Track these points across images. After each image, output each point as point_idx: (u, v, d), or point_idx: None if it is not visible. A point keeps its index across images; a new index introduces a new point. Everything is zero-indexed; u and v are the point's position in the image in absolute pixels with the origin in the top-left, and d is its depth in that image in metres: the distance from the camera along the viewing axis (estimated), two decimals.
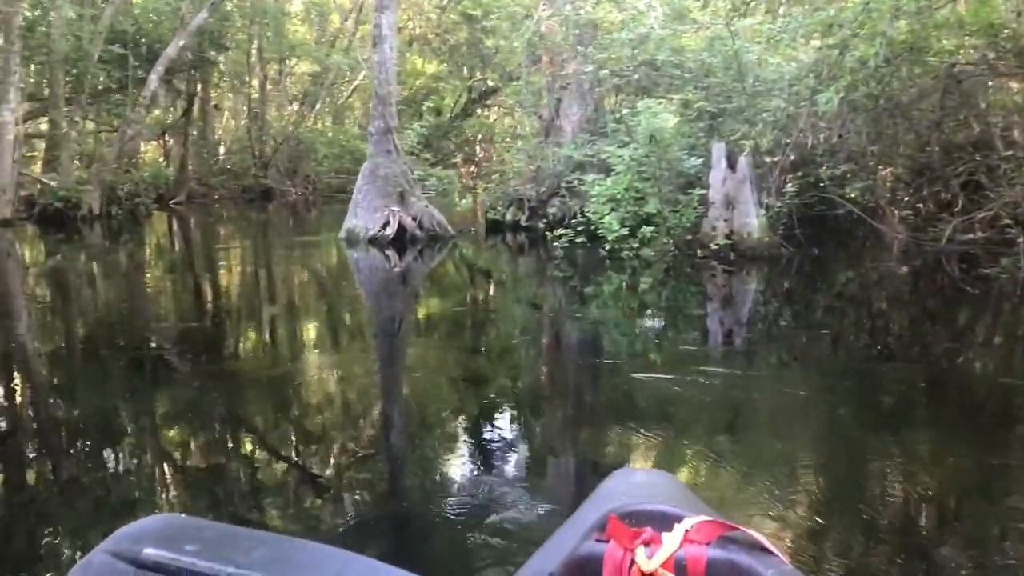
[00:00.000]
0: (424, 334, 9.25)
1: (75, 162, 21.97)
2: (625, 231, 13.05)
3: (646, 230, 12.98)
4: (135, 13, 22.94)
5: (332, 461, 5.02)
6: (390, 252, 14.71)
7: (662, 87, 15.79)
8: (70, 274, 14.63)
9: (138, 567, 1.29)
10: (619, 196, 13.39)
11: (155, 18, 23.78)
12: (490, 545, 3.69)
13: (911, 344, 8.38)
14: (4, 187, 18.95)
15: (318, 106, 33.83)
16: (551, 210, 17.01)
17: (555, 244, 13.67)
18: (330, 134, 33.09)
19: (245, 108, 32.16)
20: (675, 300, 10.98)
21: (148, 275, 14.31)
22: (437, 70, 35.87)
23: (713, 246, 12.50)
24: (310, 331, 9.49)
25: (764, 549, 1.50)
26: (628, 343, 8.42)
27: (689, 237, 12.95)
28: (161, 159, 29.61)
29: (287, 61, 34.10)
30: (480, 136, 35.93)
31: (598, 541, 1.53)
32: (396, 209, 15.16)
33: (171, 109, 29.79)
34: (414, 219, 15.35)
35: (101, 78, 21.44)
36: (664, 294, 11.38)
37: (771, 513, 3.97)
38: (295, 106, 33.82)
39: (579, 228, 13.89)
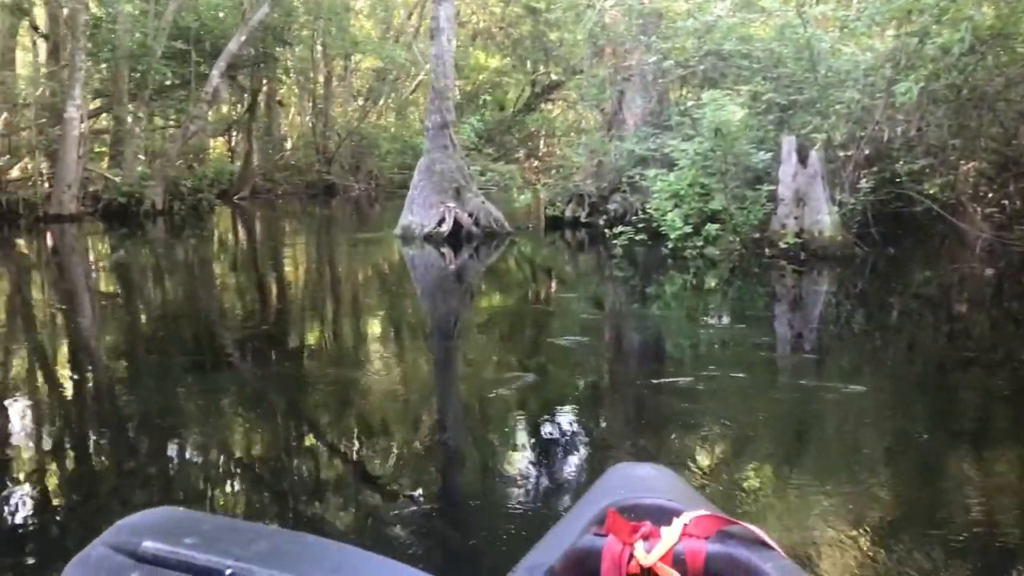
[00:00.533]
0: (480, 334, 8.87)
1: (139, 158, 22.07)
2: (689, 229, 12.46)
3: (711, 228, 12.37)
4: (198, 9, 22.96)
5: (394, 459, 4.99)
6: (445, 249, 14.35)
7: (729, 78, 15.13)
8: (132, 269, 14.65)
9: (137, 560, 1.28)
10: (683, 192, 12.80)
11: (218, 14, 23.80)
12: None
13: (994, 350, 7.70)
14: (69, 182, 19.11)
15: (381, 102, 33.72)
16: (612, 206, 16.47)
17: (614, 242, 13.11)
18: (393, 130, 32.92)
19: (310, 104, 32.18)
20: (741, 301, 10.39)
21: (206, 271, 14.25)
22: (500, 64, 35.49)
23: (782, 245, 11.85)
24: (364, 330, 9.18)
25: (763, 543, 1.48)
26: (691, 347, 7.90)
27: (757, 235, 12.32)
28: (227, 155, 29.73)
29: (351, 57, 34.09)
30: (543, 131, 35.45)
31: (597, 535, 1.53)
32: (452, 205, 14.79)
33: (237, 105, 29.96)
34: (470, 215, 14.96)
35: (165, 74, 21.48)
36: (730, 295, 10.79)
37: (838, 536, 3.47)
38: (359, 102, 33.77)
39: (640, 225, 13.34)
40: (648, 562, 1.47)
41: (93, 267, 14.72)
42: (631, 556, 1.48)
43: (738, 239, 12.36)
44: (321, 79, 31.42)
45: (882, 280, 11.43)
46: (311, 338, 8.81)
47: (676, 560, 1.47)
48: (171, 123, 24.65)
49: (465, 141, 15.48)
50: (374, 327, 9.40)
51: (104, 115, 22.88)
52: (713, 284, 11.28)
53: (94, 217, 19.92)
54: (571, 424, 5.53)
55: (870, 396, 5.95)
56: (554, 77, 35.31)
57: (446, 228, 14.66)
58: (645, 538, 1.50)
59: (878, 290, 10.96)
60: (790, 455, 4.91)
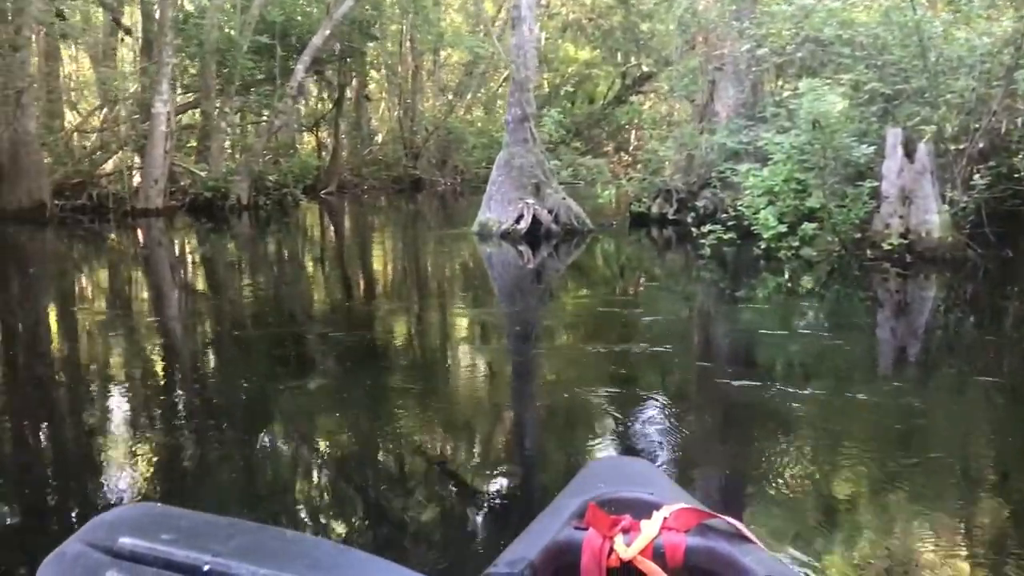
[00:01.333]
0: (560, 338, 8.29)
1: (225, 153, 22.14)
2: (783, 228, 11.55)
3: (807, 227, 11.44)
4: (285, 3, 22.87)
5: (480, 462, 4.94)
6: (523, 247, 13.75)
7: (829, 66, 14.06)
8: (217, 263, 14.60)
9: (114, 556, 1.25)
10: (777, 188, 11.88)
11: (304, 8, 23.69)
12: None
13: None
14: (156, 177, 19.21)
15: (469, 96, 33.33)
16: (701, 203, 15.60)
17: (703, 241, 12.24)
18: (479, 124, 32.49)
19: (397, 99, 31.98)
20: (840, 308, 9.52)
21: (287, 266, 14.04)
22: (590, 56, 34.70)
23: (886, 246, 10.86)
24: (441, 335, 8.66)
25: (743, 537, 1.47)
26: (786, 357, 7.14)
27: (858, 235, 11.34)
28: (315, 151, 29.74)
29: (440, 51, 33.80)
30: (633, 124, 34.52)
31: (577, 529, 1.52)
32: (531, 202, 14.18)
33: (325, 101, 29.96)
34: (550, 212, 14.31)
35: (251, 69, 21.44)
36: (827, 300, 9.92)
37: None
38: (448, 96, 33.46)
39: (731, 223, 12.48)
40: (628, 555, 1.45)
41: (178, 261, 14.71)
42: (611, 549, 1.47)
43: (837, 239, 11.42)
44: (409, 73, 31.16)
45: (997, 285, 10.37)
46: (387, 338, 8.40)
47: (656, 553, 1.45)
48: (263, 119, 24.63)
49: (548, 135, 14.81)
50: (452, 331, 8.85)
51: (194, 111, 22.97)
52: (809, 288, 10.41)
53: (180, 212, 20.01)
54: (656, 443, 4.94)
55: (982, 414, 5.16)
56: (645, 69, 34.34)
57: (524, 225, 14.04)
58: (625, 531, 1.48)
59: (993, 296, 9.92)
60: (911, 488, 4.16)
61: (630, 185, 16.99)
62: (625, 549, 1.48)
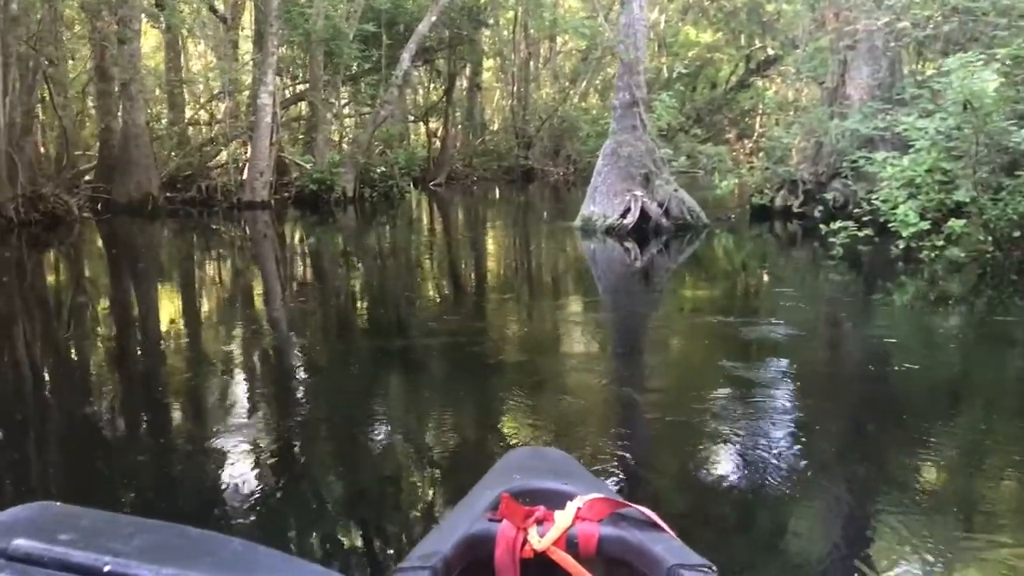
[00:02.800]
0: (667, 354, 7.22)
1: (331, 144, 21.71)
2: (926, 224, 10.01)
3: (955, 224, 9.86)
4: None
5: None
6: (630, 244, 12.59)
7: (980, 40, 12.32)
8: (319, 257, 14.24)
9: (7, 559, 1.18)
10: (919, 179, 10.33)
11: None
12: None
13: None
14: (261, 169, 18.89)
15: (584, 84, 32.14)
16: (830, 195, 14.09)
17: (832, 239, 10.75)
18: (594, 112, 31.26)
19: (511, 88, 31.10)
20: (994, 319, 8.03)
21: (383, 262, 13.34)
22: (712, 39, 32.95)
23: None
24: (540, 342, 7.66)
25: (655, 525, 1.50)
26: (931, 386, 5.84)
27: (1016, 233, 9.71)
28: (427, 141, 29.15)
29: (557, 38, 32.76)
30: (758, 110, 32.61)
31: (491, 520, 1.51)
32: (639, 194, 12.96)
33: (436, 90, 29.35)
34: (660, 205, 13.06)
35: (356, 58, 20.88)
36: (979, 311, 8.44)
37: None
38: (563, 82, 32.36)
39: (865, 219, 10.97)
40: (541, 546, 1.45)
41: (280, 255, 14.27)
42: (525, 541, 1.46)
43: (990, 238, 9.84)
44: (522, 61, 30.22)
45: None
46: (468, 348, 7.46)
47: (570, 543, 1.45)
48: (367, 110, 24.14)
49: (661, 121, 13.56)
50: (553, 336, 7.86)
51: (302, 102, 22.64)
52: (957, 295, 8.93)
53: (285, 204, 19.68)
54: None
55: None
56: (770, 52, 32.46)
57: (631, 220, 12.84)
58: (539, 522, 1.47)
59: None
60: None
61: (751, 175, 15.52)
62: (539, 540, 1.46)
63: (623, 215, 12.94)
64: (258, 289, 11.07)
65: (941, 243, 9.91)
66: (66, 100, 19.52)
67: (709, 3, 31.42)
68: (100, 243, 15.75)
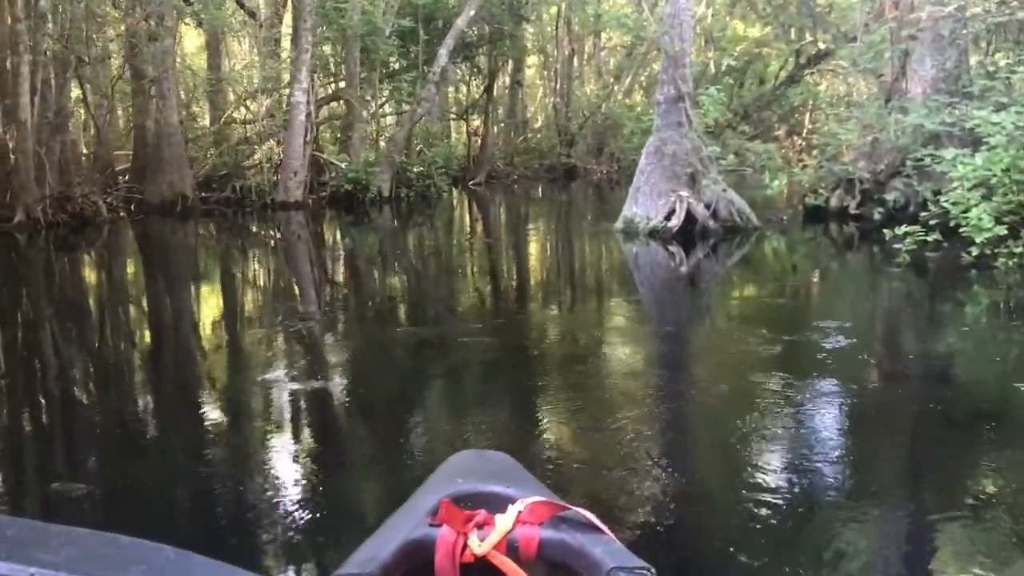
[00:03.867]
0: (720, 366, 6.41)
1: (368, 142, 21.02)
2: (1002, 229, 8.98)
3: None
4: None
5: None
6: (674, 247, 11.69)
7: None
8: (353, 261, 13.64)
9: None
10: (995, 179, 9.29)
11: None
12: None
13: None
14: (295, 169, 18.27)
15: (629, 80, 31.15)
16: (891, 195, 13.03)
17: (898, 245, 9.72)
18: (638, 108, 30.26)
19: (554, 84, 30.21)
20: None
21: (418, 265, 12.62)
22: (761, 34, 31.73)
23: None
24: (579, 355, 6.85)
25: (595, 528, 1.48)
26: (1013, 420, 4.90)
27: None
28: (467, 139, 28.37)
29: (601, 34, 31.83)
30: (808, 106, 31.36)
31: (432, 525, 1.49)
32: (684, 195, 12.04)
33: (477, 87, 28.59)
34: (707, 207, 12.12)
35: (392, 54, 20.20)
36: None
37: None
38: (606, 78, 31.40)
39: (932, 222, 9.94)
40: (481, 551, 1.43)
41: (314, 257, 13.71)
42: (465, 545, 1.44)
43: None
44: (565, 57, 29.32)
45: None
46: (522, 355, 6.90)
47: (510, 547, 1.44)
48: (404, 108, 23.44)
49: (708, 117, 12.62)
50: (592, 351, 7.03)
51: (338, 101, 21.98)
52: None
53: (321, 204, 19.06)
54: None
55: None
56: (822, 46, 31.16)
57: (676, 222, 11.91)
58: (479, 527, 1.45)
59: None
60: None
61: (803, 174, 14.48)
62: (479, 544, 1.43)
63: (667, 217, 12.03)
64: (283, 298, 10.39)
65: (1020, 250, 8.88)
66: (103, 99, 19.15)
67: None
68: (126, 246, 15.24)
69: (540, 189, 26.05)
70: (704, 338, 7.64)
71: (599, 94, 30.12)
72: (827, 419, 5.01)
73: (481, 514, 1.50)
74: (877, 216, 12.62)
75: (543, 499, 1.52)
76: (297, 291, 10.66)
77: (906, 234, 9.51)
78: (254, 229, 17.19)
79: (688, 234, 11.99)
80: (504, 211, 21.48)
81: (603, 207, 21.32)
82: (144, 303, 10.32)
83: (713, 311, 8.83)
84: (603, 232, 14.03)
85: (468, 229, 17.99)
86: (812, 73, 31.26)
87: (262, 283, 11.61)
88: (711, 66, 30.56)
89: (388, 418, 5.28)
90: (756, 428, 4.79)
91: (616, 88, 30.50)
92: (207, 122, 22.57)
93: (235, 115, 21.60)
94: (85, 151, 20.34)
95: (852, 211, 13.50)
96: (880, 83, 14.60)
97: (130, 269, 13.06)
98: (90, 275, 12.37)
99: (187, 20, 17.32)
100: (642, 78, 32.30)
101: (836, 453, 4.51)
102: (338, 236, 16.73)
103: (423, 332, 7.88)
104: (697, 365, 6.68)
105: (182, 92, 25.23)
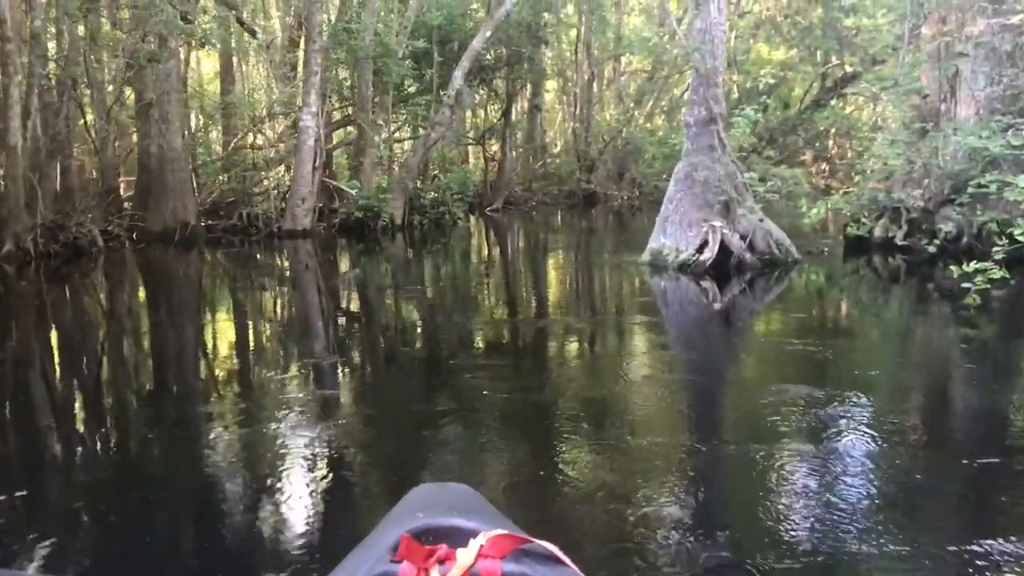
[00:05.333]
0: (756, 429, 5.13)
1: (380, 168, 19.97)
2: None
3: None
4: (447, 4, 20.47)
5: None
6: (707, 283, 10.47)
7: None
8: (368, 289, 12.64)
9: None
10: None
11: (467, 10, 21.20)
12: None
13: None
14: (303, 196, 17.23)
15: (650, 104, 30.05)
16: (943, 225, 11.78)
17: (967, 284, 8.44)
18: (660, 133, 29.14)
19: (573, 109, 29.13)
20: None
21: (437, 298, 11.44)
22: (785, 57, 30.60)
23: None
24: (601, 408, 5.71)
25: (558, 560, 1.36)
26: None
27: None
28: (484, 165, 27.30)
29: (621, 58, 30.80)
30: (835, 130, 30.14)
31: (392, 562, 1.34)
32: (718, 225, 10.81)
33: (495, 111, 27.58)
34: (742, 238, 10.89)
35: (406, 76, 19.17)
36: None
37: None
38: (627, 103, 30.31)
39: (998, 256, 8.68)
40: None
41: (321, 288, 12.65)
42: None
43: None
44: (585, 81, 28.27)
45: None
46: (539, 408, 5.65)
47: None
48: (420, 131, 22.40)
49: (740, 140, 11.47)
50: (616, 404, 5.87)
51: (349, 127, 20.97)
52: None
53: (329, 232, 17.99)
54: None
55: None
56: (848, 69, 30.02)
57: (709, 255, 10.67)
58: (441, 562, 1.31)
59: None
60: None
61: (845, 201, 13.23)
62: None
63: (699, 249, 10.81)
64: (282, 337, 9.27)
65: None
66: (106, 123, 18.25)
67: (782, 19, 29.20)
68: (120, 277, 14.20)
69: (559, 216, 24.88)
70: (741, 395, 6.39)
71: (619, 119, 29.01)
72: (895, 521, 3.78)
73: (443, 549, 1.32)
74: (928, 247, 11.39)
75: (505, 532, 1.33)
76: (298, 331, 9.52)
77: (977, 271, 8.25)
78: (259, 259, 16.14)
79: (722, 268, 10.75)
80: (522, 240, 20.31)
81: (625, 235, 20.15)
82: (126, 342, 9.23)
83: (753, 361, 7.59)
84: (627, 264, 12.84)
85: (484, 260, 16.82)
86: (839, 97, 30.12)
87: (262, 319, 10.51)
88: (735, 90, 29.43)
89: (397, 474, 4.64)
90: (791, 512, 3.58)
91: (637, 113, 29.39)
92: (220, 147, 21.66)
93: (246, 140, 20.65)
94: (94, 177, 19.47)
95: (899, 242, 12.25)
96: (923, 105, 13.35)
97: (119, 303, 11.99)
98: (75, 310, 11.28)
99: (191, 41, 16.31)
100: (663, 102, 31.24)
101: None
102: (347, 266, 15.64)
103: (433, 381, 6.81)
104: (732, 429, 5.44)
105: (195, 117, 24.62)
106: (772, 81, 30.14)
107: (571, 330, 9.06)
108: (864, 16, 29.07)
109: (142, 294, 12.81)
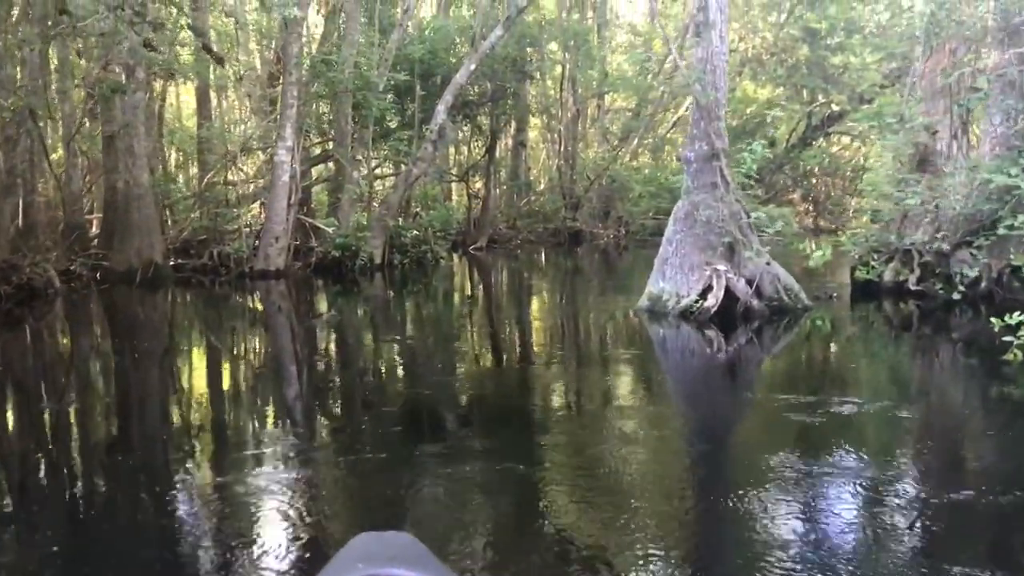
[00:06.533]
0: (769, 515, 4.17)
1: (359, 205, 18.95)
2: None
3: None
4: (430, 38, 19.59)
5: None
6: (712, 331, 9.47)
7: None
8: (344, 334, 11.79)
9: None
10: None
11: (452, 38, 20.32)
12: None
13: None
14: (277, 234, 16.15)
15: (636, 141, 29.30)
16: (959, 269, 10.87)
17: (1011, 338, 7.46)
18: (647, 171, 28.35)
19: (557, 146, 28.27)
20: None
21: (414, 346, 10.33)
22: (771, 95, 29.98)
23: None
24: (595, 486, 4.71)
25: None
26: None
27: None
28: (467, 202, 26.30)
29: (605, 96, 30.08)
30: (817, 168, 29.47)
31: None
32: (723, 268, 9.83)
33: (478, 147, 26.67)
34: (749, 283, 9.92)
35: (386, 110, 18.21)
36: None
37: None
38: (612, 141, 29.53)
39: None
40: None
41: (292, 334, 11.67)
42: None
43: None
44: (569, 117, 27.46)
45: None
46: (520, 484, 4.72)
47: None
48: (402, 167, 21.42)
49: (745, 176, 10.52)
50: (611, 481, 4.85)
51: (328, 163, 19.95)
52: None
53: (305, 272, 16.90)
54: None
55: None
56: (835, 108, 29.44)
57: (713, 302, 9.66)
58: None
59: None
60: None
61: (851, 242, 12.31)
62: None
63: (703, 295, 9.82)
64: (246, 392, 8.18)
65: None
66: (74, 157, 17.15)
67: (768, 57, 28.60)
68: (75, 321, 13.07)
69: (545, 255, 23.90)
70: (748, 458, 5.36)
71: (605, 156, 28.20)
72: None
73: None
74: (942, 291, 10.49)
75: None
76: (259, 388, 8.42)
77: (1020, 324, 7.27)
78: (228, 301, 15.03)
79: (727, 315, 9.75)
80: (508, 280, 19.30)
81: (614, 276, 19.18)
82: (72, 396, 8.10)
83: (761, 428, 6.52)
84: (620, 309, 11.83)
85: (468, 301, 15.77)
86: (826, 135, 29.52)
87: (220, 370, 9.42)
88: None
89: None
90: None
91: (623, 150, 28.60)
92: (197, 183, 20.57)
93: (221, 176, 19.58)
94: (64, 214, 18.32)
95: (912, 287, 11.33)
96: (929, 142, 12.50)
97: (64, 351, 10.86)
98: (15, 358, 10.12)
99: (159, 72, 15.28)
100: (648, 140, 30.52)
101: None
102: (322, 309, 14.56)
103: (404, 453, 5.68)
104: (738, 514, 4.39)
105: (171, 152, 23.57)
106: (757, 120, 29.50)
107: (562, 388, 8.01)
108: (851, 55, 28.62)
109: (93, 340, 11.66)
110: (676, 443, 6.12)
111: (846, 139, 32.43)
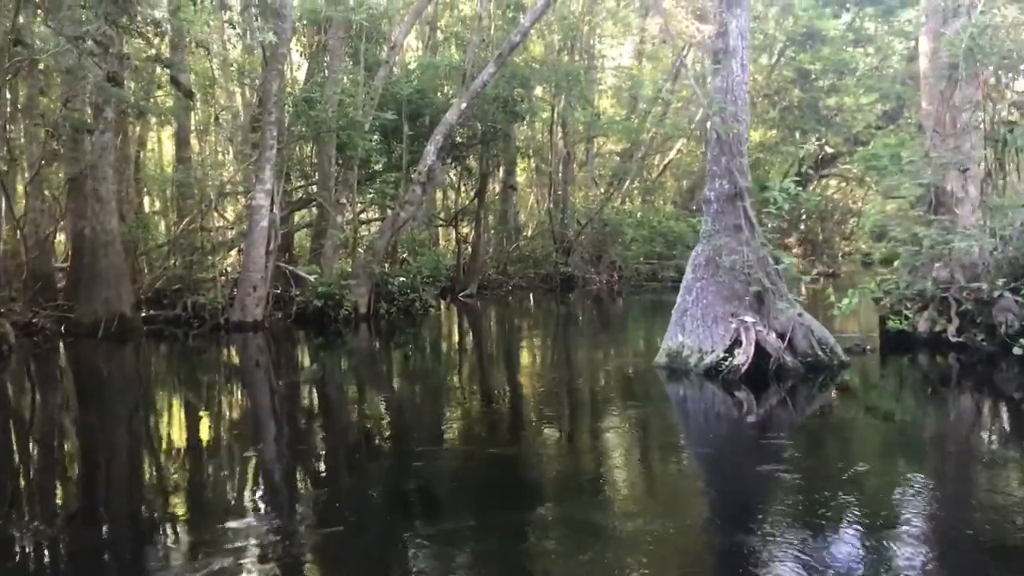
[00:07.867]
0: None
1: (342, 251, 17.76)
2: None
3: None
4: (414, 75, 18.62)
5: None
6: (743, 393, 8.26)
7: None
8: (326, 392, 10.72)
9: None
10: None
11: (442, 78, 19.35)
12: None
13: None
14: (255, 283, 14.90)
15: (627, 185, 28.39)
16: (1003, 317, 9.78)
17: None
18: (639, 215, 27.38)
19: (547, 189, 27.26)
20: None
21: (399, 412, 9.05)
22: (763, 138, 29.19)
23: None
24: None
25: None
26: None
27: None
28: (456, 247, 25.15)
29: (595, 140, 29.22)
30: (819, 211, 28.57)
31: None
32: (750, 320, 8.68)
33: (467, 191, 25.62)
34: (781, 336, 8.76)
35: (371, 151, 17.13)
36: None
37: None
38: (602, 188, 28.59)
39: None
40: None
41: (269, 392, 10.44)
42: None
43: None
44: (560, 160, 26.50)
45: None
46: None
47: None
48: (389, 211, 20.26)
49: (776, 218, 9.42)
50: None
51: (309, 207, 18.81)
52: None
53: (285, 323, 15.63)
54: None
55: None
56: (829, 150, 28.66)
57: (744, 359, 8.47)
58: None
59: None
60: None
61: (880, 290, 11.20)
62: None
63: (729, 350, 8.64)
64: (214, 466, 6.89)
65: None
66: (40, 203, 15.94)
67: (762, 99, 27.83)
68: (31, 381, 11.73)
69: (537, 301, 22.70)
70: (795, 529, 4.13)
71: (597, 199, 27.23)
72: None
73: None
74: (985, 343, 9.40)
75: None
76: (225, 464, 7.11)
77: None
78: (202, 356, 13.71)
79: (758, 373, 8.55)
80: (500, 330, 18.03)
81: (613, 325, 17.99)
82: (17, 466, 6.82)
83: (800, 484, 5.30)
84: (630, 363, 10.62)
85: (459, 354, 14.49)
86: (820, 178, 28.72)
87: (193, 432, 8.16)
88: None
89: None
90: None
91: (614, 194, 27.65)
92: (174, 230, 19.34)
93: (198, 222, 18.36)
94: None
95: (951, 338, 10.20)
96: (967, 177, 11.45)
97: (14, 415, 9.53)
98: None
99: (126, 109, 14.11)
100: (636, 184, 29.63)
101: None
102: (301, 365, 13.26)
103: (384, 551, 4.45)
104: None
105: (156, 198, 22.37)
106: (750, 161, 28.71)
107: (571, 466, 6.76)
108: (845, 96, 27.94)
109: (46, 401, 10.32)
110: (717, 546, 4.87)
111: (835, 181, 31.81)
